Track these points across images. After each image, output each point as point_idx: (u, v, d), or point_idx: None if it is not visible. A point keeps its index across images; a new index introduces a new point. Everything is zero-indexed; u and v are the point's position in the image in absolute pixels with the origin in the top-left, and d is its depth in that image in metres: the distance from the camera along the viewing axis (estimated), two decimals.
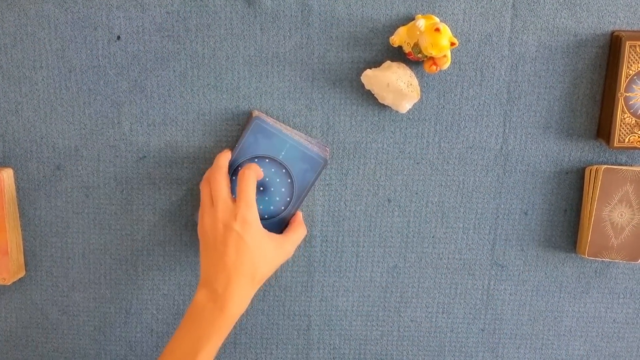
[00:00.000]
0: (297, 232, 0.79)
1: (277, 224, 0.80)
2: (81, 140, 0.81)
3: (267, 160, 0.79)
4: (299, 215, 0.81)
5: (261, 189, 0.79)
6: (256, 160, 0.79)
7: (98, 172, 0.82)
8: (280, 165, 0.79)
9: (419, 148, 0.81)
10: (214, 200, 0.74)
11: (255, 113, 0.79)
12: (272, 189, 0.79)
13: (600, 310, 0.85)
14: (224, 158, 0.77)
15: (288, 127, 0.80)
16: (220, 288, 0.71)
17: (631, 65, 0.76)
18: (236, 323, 0.73)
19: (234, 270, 0.72)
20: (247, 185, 0.74)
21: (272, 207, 0.80)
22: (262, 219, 0.78)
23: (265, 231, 0.75)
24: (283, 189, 0.79)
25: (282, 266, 0.84)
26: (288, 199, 0.80)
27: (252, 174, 0.74)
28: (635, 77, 0.76)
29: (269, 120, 0.79)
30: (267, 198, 0.80)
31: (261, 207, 0.80)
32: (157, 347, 0.86)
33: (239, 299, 0.72)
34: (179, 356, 0.71)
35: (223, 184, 0.74)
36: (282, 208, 0.80)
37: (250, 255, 0.72)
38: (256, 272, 0.73)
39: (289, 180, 0.79)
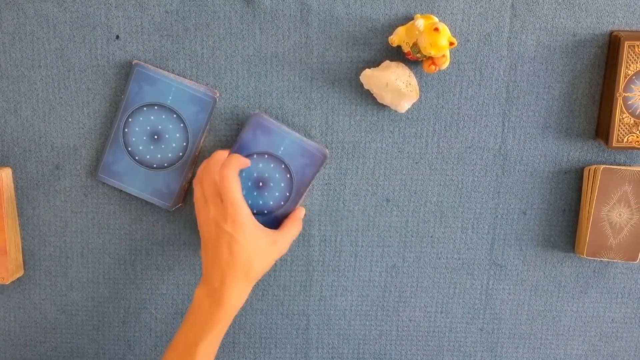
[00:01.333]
0: (292, 229, 0.80)
1: (275, 219, 0.81)
2: (80, 139, 0.81)
3: (266, 156, 0.79)
4: (297, 211, 0.81)
5: (260, 184, 0.79)
6: (255, 156, 0.79)
7: (96, 171, 0.82)
8: (280, 160, 0.79)
9: (417, 148, 0.81)
10: (207, 199, 0.75)
11: (255, 111, 0.79)
12: (272, 184, 0.80)
13: (599, 310, 0.85)
14: (220, 155, 0.77)
15: (286, 128, 0.80)
16: (216, 284, 0.73)
17: (630, 65, 0.76)
18: (235, 319, 0.73)
19: (227, 268, 0.73)
20: (228, 184, 0.72)
21: (271, 202, 0.80)
22: (261, 214, 0.79)
23: (259, 228, 0.75)
24: (282, 184, 0.80)
25: (280, 265, 0.84)
26: (287, 194, 0.80)
27: (231, 172, 0.73)
28: (634, 77, 0.76)
29: (268, 117, 0.79)
30: (266, 193, 0.80)
31: (260, 202, 0.80)
32: (156, 346, 0.86)
33: (235, 294, 0.74)
34: (181, 349, 0.74)
35: (215, 183, 0.75)
36: (282, 203, 0.80)
37: (243, 254, 0.73)
38: (250, 268, 0.74)
39: (288, 176, 0.79)
